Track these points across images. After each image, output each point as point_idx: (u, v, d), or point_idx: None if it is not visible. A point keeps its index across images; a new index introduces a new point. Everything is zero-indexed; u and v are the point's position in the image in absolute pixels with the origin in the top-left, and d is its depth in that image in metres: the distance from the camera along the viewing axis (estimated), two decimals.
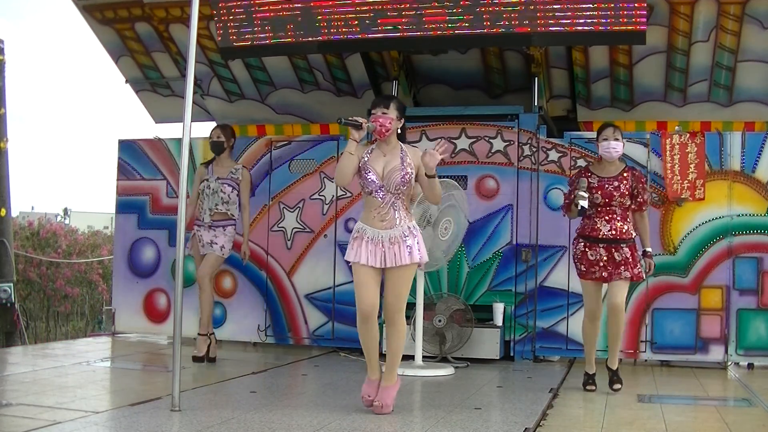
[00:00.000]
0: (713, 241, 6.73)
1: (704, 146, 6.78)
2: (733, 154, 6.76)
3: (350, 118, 4.57)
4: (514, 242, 7.03)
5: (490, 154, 7.14)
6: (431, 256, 6.34)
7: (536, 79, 7.41)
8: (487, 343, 6.77)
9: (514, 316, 6.97)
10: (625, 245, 5.35)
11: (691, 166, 6.73)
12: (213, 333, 6.65)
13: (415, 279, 6.48)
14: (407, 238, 4.55)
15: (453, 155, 7.20)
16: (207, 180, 6.58)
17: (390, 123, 4.63)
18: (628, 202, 5.42)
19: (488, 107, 7.60)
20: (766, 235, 6.66)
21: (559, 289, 6.95)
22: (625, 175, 5.44)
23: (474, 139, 7.18)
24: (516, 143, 7.09)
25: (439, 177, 6.88)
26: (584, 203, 5.30)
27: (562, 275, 6.95)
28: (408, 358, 6.43)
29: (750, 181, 6.73)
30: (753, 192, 6.72)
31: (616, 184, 5.38)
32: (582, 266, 5.44)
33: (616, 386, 5.41)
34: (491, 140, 7.14)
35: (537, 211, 7.02)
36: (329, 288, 7.49)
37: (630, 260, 5.33)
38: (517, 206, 7.04)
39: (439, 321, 6.69)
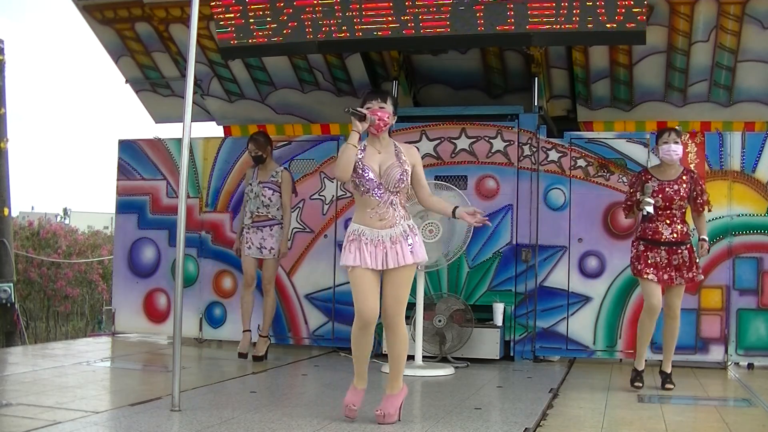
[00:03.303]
0: (713, 241, 6.71)
1: (704, 146, 6.78)
2: (733, 154, 6.76)
3: (356, 109, 4.42)
4: (514, 242, 7.03)
5: (490, 154, 7.14)
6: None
7: (536, 79, 7.42)
8: (487, 343, 6.77)
9: (514, 316, 6.98)
10: (684, 247, 5.47)
11: (691, 166, 6.73)
12: (271, 335, 7.03)
13: (415, 279, 6.52)
14: (408, 237, 4.37)
15: (453, 155, 7.20)
16: (251, 184, 6.80)
17: (388, 118, 4.45)
18: (687, 205, 5.53)
19: (488, 107, 7.60)
20: (766, 235, 6.67)
21: (559, 289, 6.95)
22: (684, 177, 5.52)
23: (474, 139, 7.18)
24: (516, 143, 7.09)
25: (437, 178, 6.93)
26: (650, 209, 5.38)
27: (562, 275, 6.95)
28: (408, 358, 6.40)
29: (750, 181, 6.73)
30: (753, 192, 6.72)
31: (675, 187, 5.46)
32: (638, 264, 5.49)
33: (668, 386, 5.57)
34: (491, 140, 7.14)
35: (537, 211, 7.02)
36: (329, 288, 7.49)
37: (687, 263, 5.45)
38: (517, 206, 7.04)
39: (439, 321, 6.69)
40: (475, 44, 7.32)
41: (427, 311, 6.61)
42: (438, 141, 7.26)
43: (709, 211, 5.70)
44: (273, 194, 6.72)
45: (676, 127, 5.70)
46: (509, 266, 7.02)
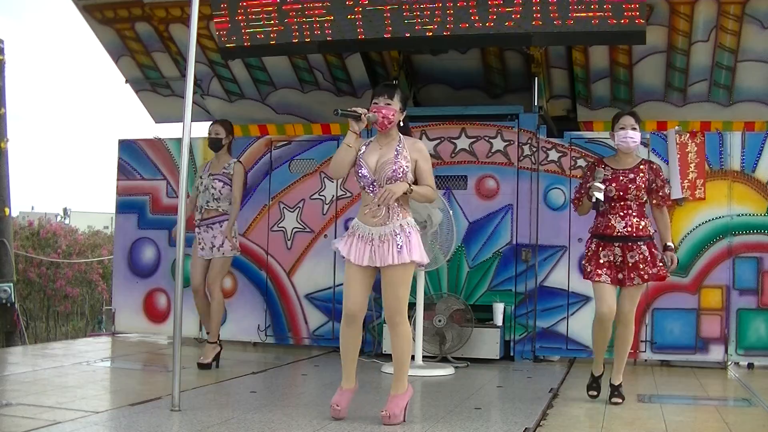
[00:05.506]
0: (713, 240, 6.73)
1: (704, 146, 6.78)
2: (733, 154, 6.76)
3: (348, 109, 4.35)
4: (514, 242, 7.03)
5: (490, 154, 7.14)
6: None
7: (536, 79, 7.42)
8: (487, 343, 6.77)
9: (514, 316, 6.98)
10: (642, 243, 4.92)
11: (691, 165, 6.73)
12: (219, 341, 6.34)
13: (415, 279, 6.52)
14: (398, 236, 4.27)
15: (453, 155, 7.21)
16: (201, 177, 6.33)
17: (393, 115, 4.36)
18: (644, 197, 5.00)
19: (488, 107, 7.59)
20: (766, 235, 6.67)
21: (559, 289, 6.95)
22: (641, 167, 5.01)
23: (474, 139, 7.18)
24: (516, 143, 7.09)
25: (437, 179, 6.93)
26: (599, 195, 4.87)
27: (562, 275, 6.95)
28: None
29: (750, 181, 6.73)
30: (753, 192, 6.72)
31: (631, 176, 4.96)
32: (589, 266, 5.00)
33: (615, 400, 5.03)
34: (491, 140, 7.14)
35: (537, 211, 7.02)
36: (329, 288, 7.49)
37: (649, 259, 4.91)
38: (517, 206, 7.04)
39: (439, 321, 6.69)
40: (475, 44, 7.31)
41: (427, 311, 6.61)
42: (438, 141, 7.26)
43: (671, 206, 5.16)
44: (224, 187, 6.18)
45: (634, 111, 5.21)
46: (509, 266, 7.02)
